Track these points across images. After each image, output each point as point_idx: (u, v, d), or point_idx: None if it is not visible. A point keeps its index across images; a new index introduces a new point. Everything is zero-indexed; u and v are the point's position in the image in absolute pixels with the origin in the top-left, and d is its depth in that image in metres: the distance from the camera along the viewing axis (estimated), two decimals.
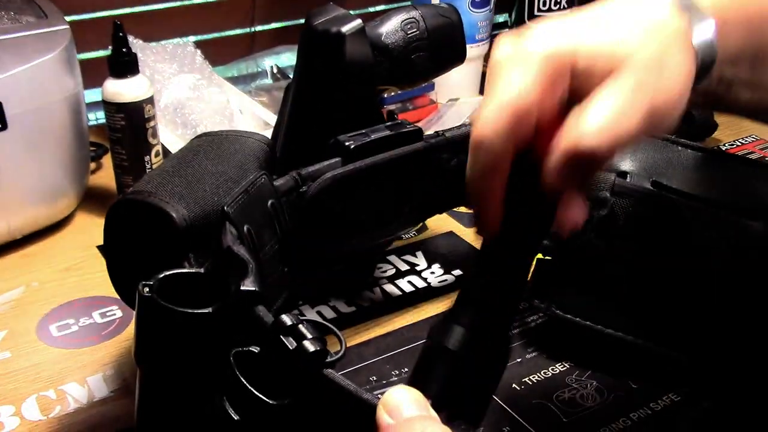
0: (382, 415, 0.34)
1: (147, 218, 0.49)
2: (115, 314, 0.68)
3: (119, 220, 0.51)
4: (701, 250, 0.57)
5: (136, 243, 0.51)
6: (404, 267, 0.74)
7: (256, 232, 0.53)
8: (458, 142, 0.65)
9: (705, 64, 0.42)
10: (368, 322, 0.66)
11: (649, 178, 0.60)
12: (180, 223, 0.48)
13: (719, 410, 0.57)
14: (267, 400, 0.38)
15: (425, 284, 0.72)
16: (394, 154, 0.62)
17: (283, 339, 0.38)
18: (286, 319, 0.38)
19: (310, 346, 0.37)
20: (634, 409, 0.56)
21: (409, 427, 0.33)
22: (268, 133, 0.67)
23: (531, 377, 0.60)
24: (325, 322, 0.42)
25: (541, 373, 0.60)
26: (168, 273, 0.43)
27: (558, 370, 0.60)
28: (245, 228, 0.51)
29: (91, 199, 0.84)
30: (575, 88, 0.39)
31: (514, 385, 0.59)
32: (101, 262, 0.75)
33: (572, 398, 0.58)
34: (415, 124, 0.64)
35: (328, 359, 0.38)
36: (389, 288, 0.71)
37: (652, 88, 0.38)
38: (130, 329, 0.66)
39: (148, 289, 0.41)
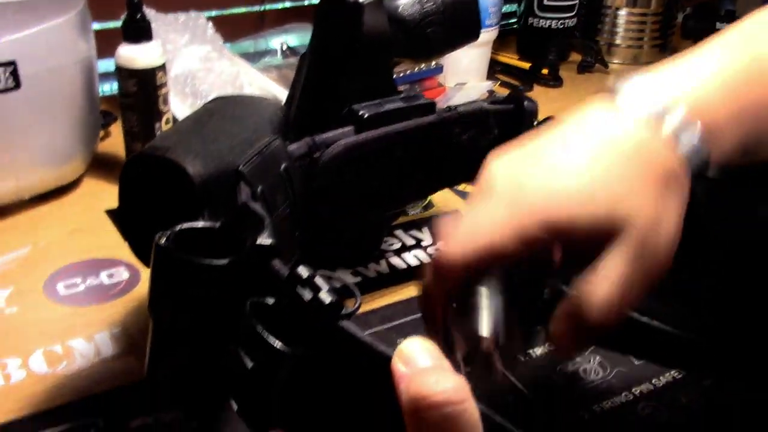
0: (397, 365, 0.34)
1: (163, 174, 0.49)
2: (122, 275, 0.68)
3: (135, 175, 0.51)
4: (703, 224, 0.58)
5: (150, 199, 0.51)
6: (410, 241, 0.74)
7: (269, 195, 0.53)
8: (470, 117, 0.66)
9: (698, 170, 0.43)
10: (374, 293, 0.67)
11: None
12: (196, 179, 0.48)
13: (721, 389, 0.57)
14: (282, 348, 0.38)
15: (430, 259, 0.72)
16: (407, 125, 0.62)
17: (300, 290, 0.38)
18: (303, 270, 0.39)
19: (326, 298, 0.37)
20: (637, 384, 0.57)
21: (424, 377, 0.33)
22: None
23: (535, 349, 0.60)
24: (338, 276, 0.42)
25: (545, 345, 0.61)
26: (184, 226, 0.43)
27: None
28: (259, 189, 0.51)
29: (99, 165, 0.84)
30: (574, 250, 0.42)
31: (518, 356, 0.59)
32: (109, 226, 0.75)
33: (575, 371, 0.58)
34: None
35: (344, 312, 0.38)
36: (395, 261, 0.71)
37: (651, 259, 0.41)
38: (138, 290, 0.66)
39: (165, 240, 0.41)
